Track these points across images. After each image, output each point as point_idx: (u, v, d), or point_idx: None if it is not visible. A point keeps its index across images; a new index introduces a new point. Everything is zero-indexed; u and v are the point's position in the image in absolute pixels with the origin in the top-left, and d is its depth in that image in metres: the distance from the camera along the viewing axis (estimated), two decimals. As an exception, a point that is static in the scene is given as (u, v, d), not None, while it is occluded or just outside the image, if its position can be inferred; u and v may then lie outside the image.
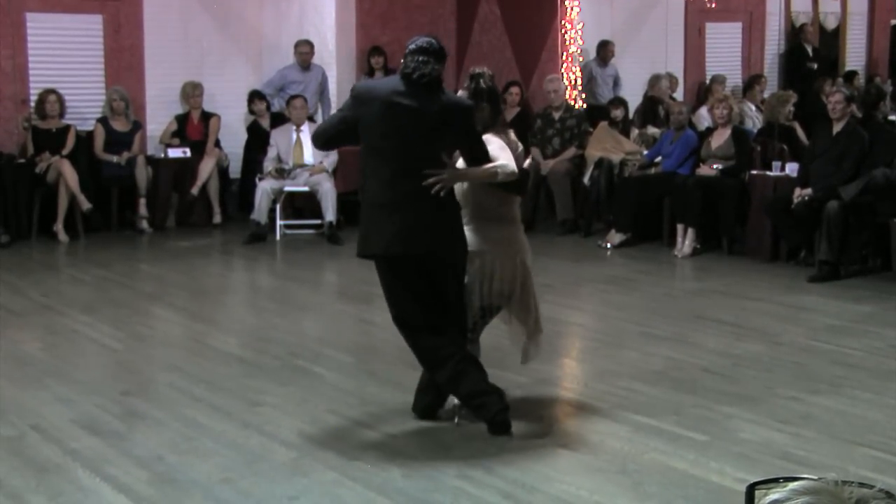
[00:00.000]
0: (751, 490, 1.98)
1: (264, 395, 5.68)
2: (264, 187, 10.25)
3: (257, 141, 11.05)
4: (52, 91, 10.37)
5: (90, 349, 6.76)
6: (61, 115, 10.43)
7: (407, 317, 5.13)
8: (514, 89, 11.62)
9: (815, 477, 1.79)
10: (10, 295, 7.99)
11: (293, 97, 10.75)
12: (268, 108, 11.37)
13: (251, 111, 11.40)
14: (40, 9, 10.67)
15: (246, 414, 5.36)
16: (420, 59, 5.04)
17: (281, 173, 10.39)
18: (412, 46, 5.11)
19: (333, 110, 12.04)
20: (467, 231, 5.15)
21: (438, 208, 4.99)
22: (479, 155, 5.05)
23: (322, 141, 5.48)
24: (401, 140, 4.97)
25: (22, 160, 10.33)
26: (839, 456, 4.78)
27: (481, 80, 5.33)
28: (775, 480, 1.95)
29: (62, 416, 5.29)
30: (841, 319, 7.31)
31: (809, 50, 14.15)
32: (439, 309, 5.07)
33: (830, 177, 8.53)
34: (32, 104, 10.50)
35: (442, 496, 4.39)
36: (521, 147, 5.49)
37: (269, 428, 5.15)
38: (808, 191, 8.58)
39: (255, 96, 11.37)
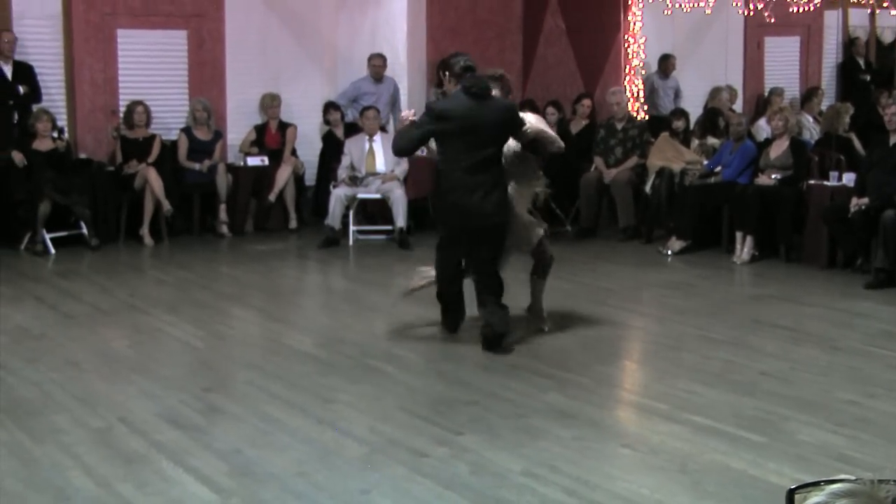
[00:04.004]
0: (791, 495, 2.00)
1: (337, 392, 5.82)
2: (338, 194, 10.39)
3: (332, 149, 11.19)
4: (140, 102, 10.65)
5: (173, 347, 6.93)
6: (147, 124, 10.68)
7: None
8: (586, 101, 11.62)
9: (853, 478, 1.85)
10: (99, 295, 8.25)
11: (366, 109, 10.88)
12: (342, 118, 11.49)
13: (326, 121, 11.52)
14: (130, 25, 10.96)
15: (320, 410, 5.49)
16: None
17: (354, 181, 10.52)
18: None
19: (404, 120, 12.32)
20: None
21: None
22: None
23: None
24: None
25: (111, 167, 10.63)
26: (895, 458, 4.83)
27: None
28: (815, 484, 1.96)
29: (147, 410, 5.49)
30: None
31: (862, 62, 14.08)
32: None
33: (887, 186, 8.57)
34: (121, 115, 10.78)
35: (508, 492, 4.47)
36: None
37: (343, 424, 5.28)
38: (865, 200, 8.62)
39: (330, 107, 11.51)
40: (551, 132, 6.99)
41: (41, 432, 5.16)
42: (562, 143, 6.94)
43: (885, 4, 10.49)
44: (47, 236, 9.91)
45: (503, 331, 6.66)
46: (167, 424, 5.26)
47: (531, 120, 6.83)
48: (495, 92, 6.66)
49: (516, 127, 6.61)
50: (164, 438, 5.07)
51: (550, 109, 11.24)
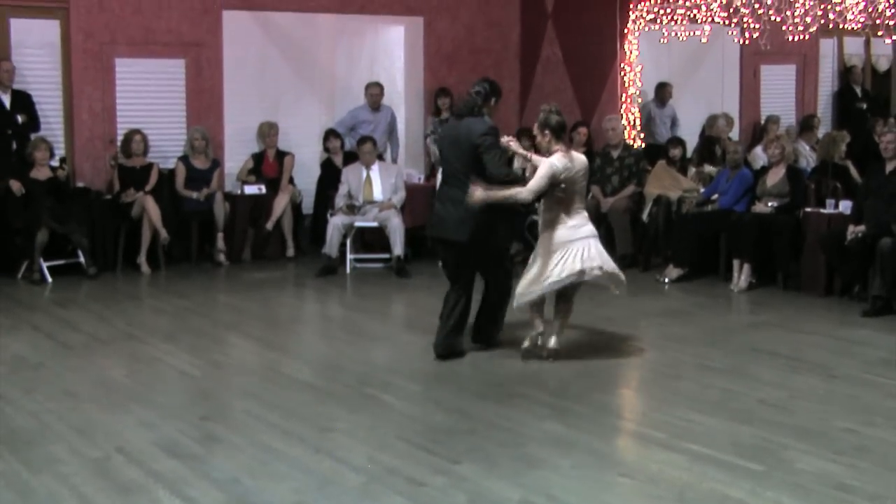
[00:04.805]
0: None
1: (335, 421, 5.82)
2: (335, 222, 10.44)
3: (330, 177, 11.22)
4: (138, 131, 10.71)
5: (171, 376, 6.91)
6: (145, 153, 10.73)
7: None
8: (582, 129, 11.64)
9: None
10: (96, 324, 8.26)
11: (362, 141, 10.89)
12: (342, 146, 11.52)
13: (326, 148, 11.58)
14: (128, 54, 11.05)
15: (318, 439, 5.49)
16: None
17: (352, 209, 10.56)
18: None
19: (402, 149, 12.38)
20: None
21: None
22: None
23: None
24: None
25: (108, 196, 10.66)
26: (894, 487, 4.85)
27: None
28: None
29: (145, 439, 5.48)
30: (895, 353, 7.30)
31: (858, 91, 14.14)
32: None
33: (883, 214, 8.61)
34: (119, 143, 10.84)
35: (506, 521, 4.52)
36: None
37: (340, 453, 5.28)
38: (862, 227, 8.65)
39: (330, 134, 11.57)
40: (507, 187, 7.01)
41: (38, 462, 5.16)
42: (519, 195, 6.99)
43: (879, 33, 10.58)
44: (44, 265, 9.94)
45: (439, 352, 7.19)
46: (165, 454, 5.26)
47: (542, 164, 7.04)
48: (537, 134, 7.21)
49: (476, 148, 7.02)
50: (161, 468, 5.06)
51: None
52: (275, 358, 7.41)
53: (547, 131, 7.09)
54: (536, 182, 6.95)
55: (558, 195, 7.05)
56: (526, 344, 7.23)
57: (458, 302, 7.18)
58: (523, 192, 6.95)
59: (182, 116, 11.41)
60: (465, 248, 7.06)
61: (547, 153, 7.14)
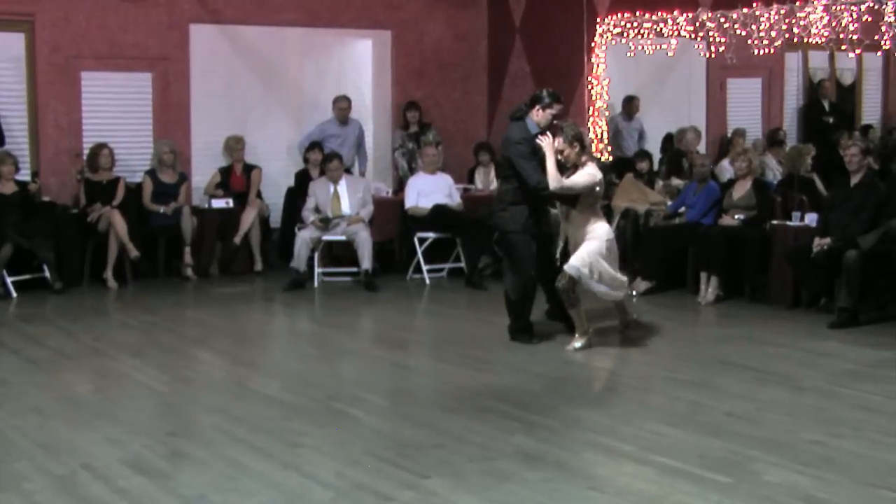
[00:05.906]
0: None
1: (304, 436, 5.77)
2: (304, 236, 10.42)
3: (303, 188, 11.10)
4: (104, 145, 10.65)
5: (138, 391, 6.88)
6: (112, 167, 10.69)
7: None
8: None
9: None
10: (63, 339, 8.20)
11: (328, 158, 10.85)
12: (321, 161, 11.26)
13: (305, 159, 11.52)
14: (95, 68, 11.01)
15: (286, 455, 5.46)
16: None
17: (326, 223, 10.55)
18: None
19: (370, 163, 12.37)
20: None
21: None
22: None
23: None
24: None
25: (75, 210, 10.60)
26: (861, 499, 4.86)
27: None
28: None
29: (111, 456, 5.42)
30: (860, 365, 7.38)
31: (826, 105, 14.26)
32: None
33: (849, 226, 8.66)
34: (85, 157, 10.78)
35: (475, 536, 4.50)
36: None
37: (309, 468, 5.25)
38: (828, 240, 8.69)
39: (316, 146, 11.46)
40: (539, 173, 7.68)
41: (2, 480, 5.10)
42: (550, 181, 7.59)
43: (843, 47, 10.69)
44: (9, 280, 9.87)
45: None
46: (131, 470, 5.22)
47: (584, 172, 7.66)
48: (560, 141, 7.71)
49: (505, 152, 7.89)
50: (128, 485, 5.02)
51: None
52: (243, 373, 7.37)
53: (577, 143, 7.62)
54: (572, 183, 7.54)
55: (591, 201, 7.66)
56: (578, 345, 7.79)
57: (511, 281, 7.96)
58: (553, 182, 7.54)
59: (149, 130, 11.38)
60: (503, 239, 7.89)
61: (574, 166, 7.68)
